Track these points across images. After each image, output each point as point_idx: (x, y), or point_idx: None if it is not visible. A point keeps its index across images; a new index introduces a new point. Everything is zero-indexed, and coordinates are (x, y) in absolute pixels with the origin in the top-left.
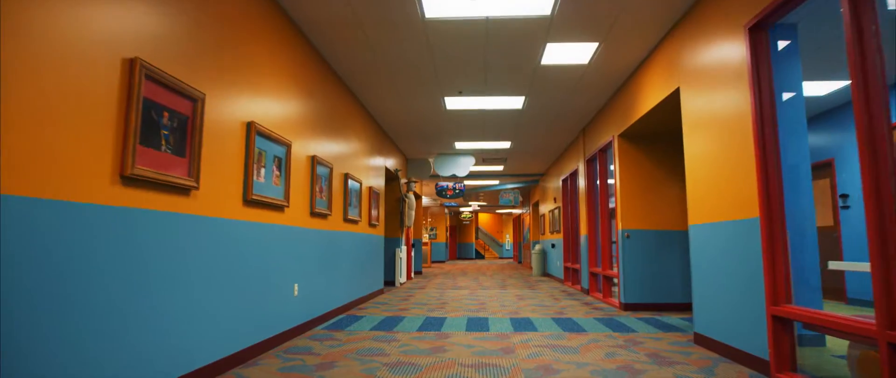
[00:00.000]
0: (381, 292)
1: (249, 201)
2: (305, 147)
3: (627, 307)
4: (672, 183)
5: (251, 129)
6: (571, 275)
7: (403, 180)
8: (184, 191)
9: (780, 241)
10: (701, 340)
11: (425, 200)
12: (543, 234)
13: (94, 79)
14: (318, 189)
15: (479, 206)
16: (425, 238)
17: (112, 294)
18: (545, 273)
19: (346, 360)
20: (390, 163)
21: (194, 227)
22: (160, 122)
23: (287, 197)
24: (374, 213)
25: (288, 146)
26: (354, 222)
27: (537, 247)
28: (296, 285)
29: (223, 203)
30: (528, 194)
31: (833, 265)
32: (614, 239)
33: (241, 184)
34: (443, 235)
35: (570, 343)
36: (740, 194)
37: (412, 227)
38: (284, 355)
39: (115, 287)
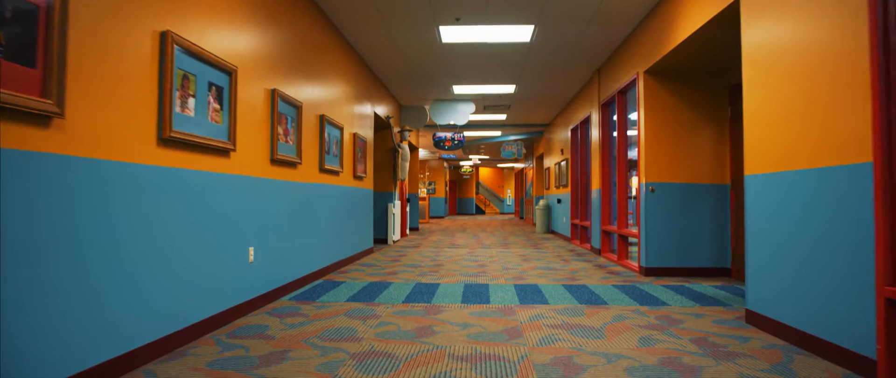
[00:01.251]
0: (370, 252)
1: (168, 140)
2: (262, 78)
3: (649, 272)
4: (705, 128)
5: (167, 42)
6: (580, 233)
7: (396, 129)
8: (42, 120)
9: None
10: (756, 320)
11: (423, 153)
12: (548, 189)
13: None
14: (281, 131)
15: (479, 159)
16: (423, 192)
17: None
18: (550, 230)
19: (303, 349)
20: (382, 110)
21: (63, 173)
22: None
23: (232, 138)
24: (360, 164)
25: (231, 73)
26: (334, 173)
27: (541, 202)
28: (251, 249)
29: (120, 141)
30: (532, 147)
31: None
32: (632, 194)
33: (155, 117)
34: (442, 190)
35: (591, 322)
36: (837, 132)
37: (406, 181)
38: (226, 340)
39: None
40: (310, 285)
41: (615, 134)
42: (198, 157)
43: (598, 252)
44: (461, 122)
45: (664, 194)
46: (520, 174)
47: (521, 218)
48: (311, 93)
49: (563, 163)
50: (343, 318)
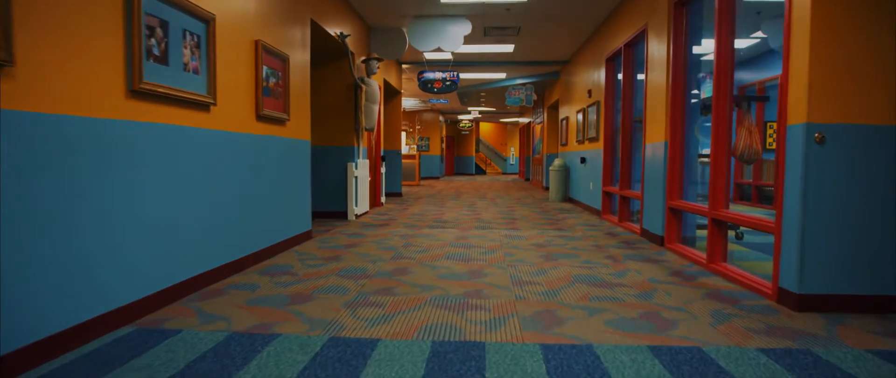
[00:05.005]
0: (304, 239)
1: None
2: None
3: (805, 303)
4: None
5: None
6: (619, 206)
7: (361, 59)
8: None
9: None
10: None
11: (411, 103)
12: (565, 144)
13: None
14: None
15: (480, 112)
16: (412, 149)
17: None
18: (567, 197)
19: None
20: (334, 26)
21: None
22: None
23: None
24: (274, 97)
25: None
26: (189, 105)
27: (556, 162)
28: None
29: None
30: (543, 94)
31: None
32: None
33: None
34: (437, 147)
35: None
36: None
37: (379, 132)
38: None
39: None
40: (77, 352)
41: (718, 46)
42: None
43: (661, 241)
44: (452, 46)
45: (846, 149)
46: (525, 130)
47: (527, 179)
48: None
49: (590, 109)
50: None
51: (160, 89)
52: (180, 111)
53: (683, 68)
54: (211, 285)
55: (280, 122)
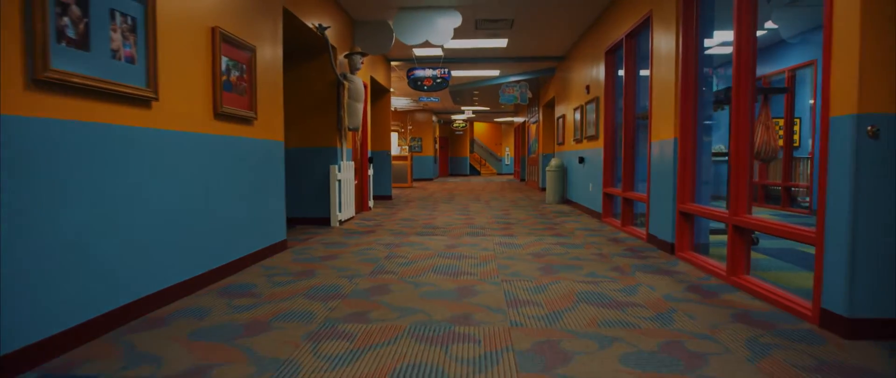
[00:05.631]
0: (278, 249)
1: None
2: None
3: (858, 330)
4: None
5: None
6: (622, 209)
7: (343, 54)
8: None
9: None
10: None
11: (403, 102)
12: (561, 144)
13: None
14: None
15: (473, 112)
16: (404, 150)
17: None
18: (564, 199)
19: None
20: (313, 19)
21: None
22: None
23: None
24: (238, 93)
25: None
26: (127, 101)
27: (553, 162)
28: None
29: None
30: (538, 92)
31: None
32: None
33: None
34: (430, 148)
35: None
36: None
37: (364, 132)
38: None
39: None
40: None
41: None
42: None
43: (671, 249)
44: (441, 40)
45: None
46: (520, 129)
47: (523, 180)
48: None
49: (588, 106)
50: None
51: (76, 79)
52: (109, 107)
53: (695, 56)
54: (155, 311)
55: (246, 120)
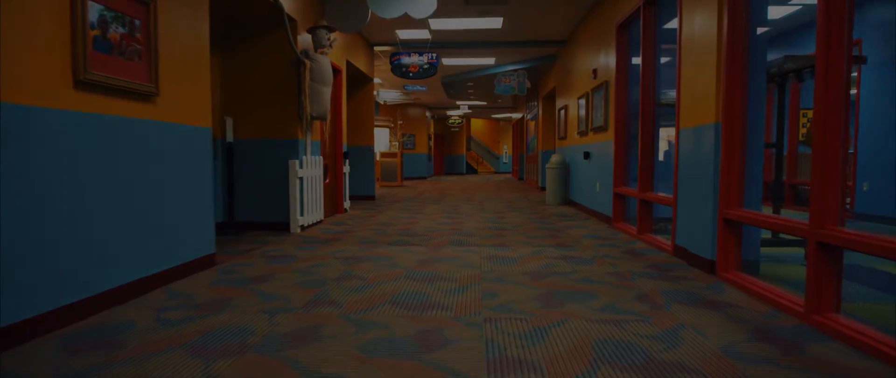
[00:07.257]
0: (204, 266)
1: None
2: None
3: None
4: None
5: None
6: (639, 212)
7: (306, 30)
8: None
9: None
10: None
11: (392, 94)
12: (563, 138)
13: None
14: None
15: (469, 107)
16: (392, 147)
17: None
18: (567, 200)
19: None
20: None
21: None
22: None
23: None
24: (121, 56)
25: None
26: None
27: (553, 158)
28: None
29: None
30: (538, 83)
31: None
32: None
33: None
34: (424, 144)
35: None
36: None
37: (326, 120)
38: None
39: None
40: None
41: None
42: None
43: (710, 267)
44: (422, 13)
45: None
46: (518, 125)
47: (521, 179)
48: None
49: (595, 93)
50: None
51: None
52: None
53: (746, 10)
54: None
55: (139, 96)
